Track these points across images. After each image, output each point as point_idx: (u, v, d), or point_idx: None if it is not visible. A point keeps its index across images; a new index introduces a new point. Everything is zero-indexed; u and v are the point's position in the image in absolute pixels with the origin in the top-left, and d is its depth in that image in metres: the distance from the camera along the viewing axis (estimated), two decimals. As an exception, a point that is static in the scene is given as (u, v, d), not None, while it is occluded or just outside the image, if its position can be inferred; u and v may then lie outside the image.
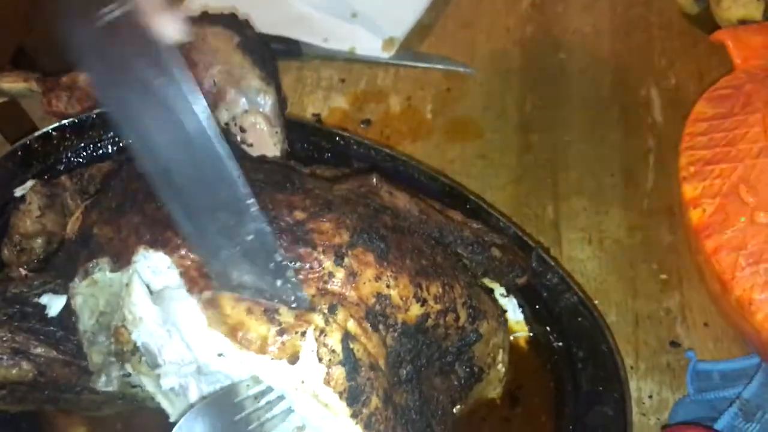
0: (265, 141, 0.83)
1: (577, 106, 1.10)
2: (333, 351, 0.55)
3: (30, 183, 0.87)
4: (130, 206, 0.62)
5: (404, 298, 0.60)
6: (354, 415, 0.55)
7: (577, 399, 0.75)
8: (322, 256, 0.58)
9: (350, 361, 0.55)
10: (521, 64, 1.16)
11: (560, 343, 0.79)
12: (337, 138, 0.92)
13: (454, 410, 0.70)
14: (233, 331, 0.54)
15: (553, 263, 0.81)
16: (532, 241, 0.84)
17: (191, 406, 0.59)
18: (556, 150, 1.05)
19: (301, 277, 0.57)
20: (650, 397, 0.84)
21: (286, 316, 0.55)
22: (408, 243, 0.63)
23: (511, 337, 0.79)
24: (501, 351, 0.72)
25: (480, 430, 0.75)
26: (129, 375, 0.64)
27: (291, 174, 0.66)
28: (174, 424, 0.57)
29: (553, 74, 1.14)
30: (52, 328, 0.64)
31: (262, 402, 0.54)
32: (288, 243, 0.57)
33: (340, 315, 0.56)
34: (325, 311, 0.56)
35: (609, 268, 0.94)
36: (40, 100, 1.00)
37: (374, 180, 0.69)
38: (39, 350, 0.63)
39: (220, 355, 0.55)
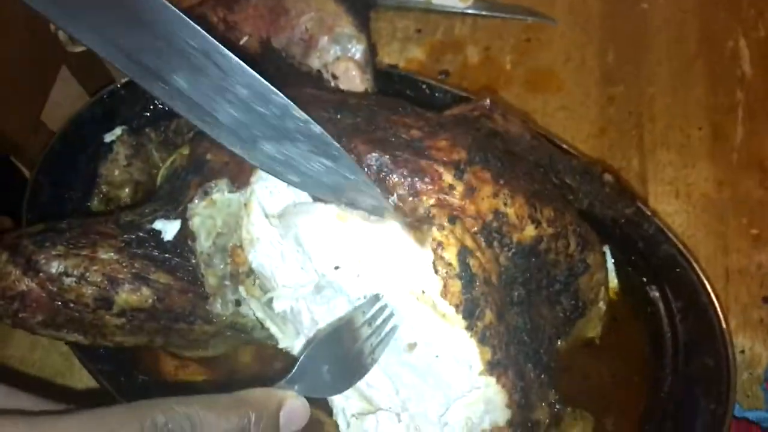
0: (357, 87, 0.82)
1: (660, 58, 1.07)
2: (449, 264, 0.55)
3: (118, 130, 0.88)
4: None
5: (520, 218, 0.59)
6: (469, 328, 0.55)
7: (676, 349, 0.74)
8: (442, 169, 0.57)
9: (467, 275, 0.55)
10: (602, 14, 1.13)
11: (657, 294, 0.77)
12: (423, 86, 0.91)
13: (557, 344, 0.70)
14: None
15: (650, 213, 0.79)
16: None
17: (302, 330, 0.60)
18: (640, 102, 1.03)
19: (421, 187, 0.57)
20: (742, 352, 0.83)
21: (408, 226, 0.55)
22: (521, 166, 0.63)
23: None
24: (602, 288, 0.71)
25: (578, 372, 0.74)
26: (240, 303, 0.64)
27: (399, 101, 0.66)
28: (284, 350, 0.58)
29: (636, 25, 1.11)
30: (167, 255, 0.64)
31: (374, 325, 0.54)
32: (409, 155, 0.57)
33: (458, 228, 0.56)
34: (445, 223, 0.56)
35: (697, 222, 0.92)
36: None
37: (487, 102, 0.68)
38: (157, 276, 0.63)
39: (336, 267, 0.55)
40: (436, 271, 0.55)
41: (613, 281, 0.80)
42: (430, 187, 0.57)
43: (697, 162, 0.97)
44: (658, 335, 0.75)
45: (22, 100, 0.97)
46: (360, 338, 0.54)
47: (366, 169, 0.56)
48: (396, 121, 0.58)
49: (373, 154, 0.56)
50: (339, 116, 0.59)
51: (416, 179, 0.57)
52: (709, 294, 0.74)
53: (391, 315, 0.55)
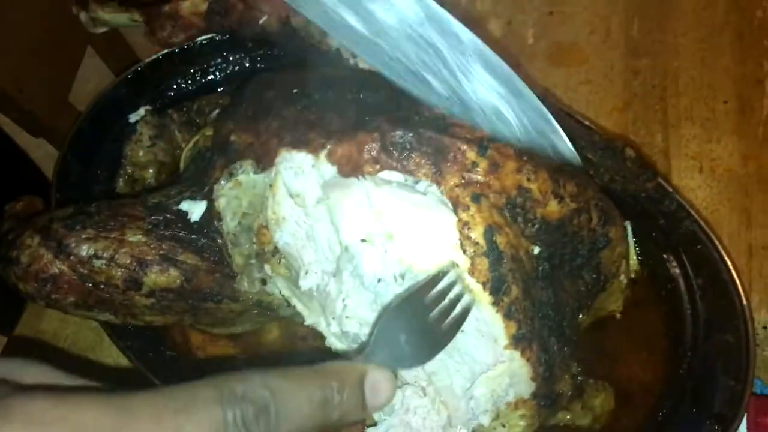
0: (377, 65, 0.82)
1: (686, 30, 1.05)
2: (477, 243, 0.55)
3: (143, 110, 0.89)
4: (267, 112, 0.62)
5: (544, 193, 0.59)
6: (495, 303, 0.55)
7: (696, 326, 0.74)
8: (465, 146, 0.58)
9: (494, 253, 0.56)
10: (626, -15, 1.11)
11: (677, 270, 0.77)
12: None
13: (579, 318, 0.70)
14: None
15: (671, 189, 0.78)
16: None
17: (328, 307, 0.60)
18: (665, 76, 1.01)
19: (444, 166, 0.57)
20: (765, 327, 0.82)
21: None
22: None
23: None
24: (624, 262, 0.71)
25: (598, 347, 0.75)
26: (266, 281, 0.66)
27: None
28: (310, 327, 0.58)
29: (661, -4, 1.09)
30: (194, 236, 0.65)
31: (451, 296, 0.54)
32: (432, 133, 0.58)
33: (484, 205, 0.57)
34: (470, 202, 0.56)
35: (721, 197, 0.91)
36: (143, 29, 1.01)
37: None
38: (185, 257, 0.65)
39: (363, 240, 0.56)
40: (464, 251, 0.55)
41: (633, 257, 0.80)
42: (454, 165, 0.57)
43: (722, 136, 0.96)
44: (679, 312, 0.75)
45: (50, 82, 0.99)
46: (432, 310, 0.53)
47: (391, 147, 0.57)
48: (417, 100, 0.58)
49: (398, 132, 0.56)
50: (361, 95, 0.60)
51: (440, 157, 0.57)
52: (729, 271, 0.74)
53: (462, 293, 0.55)
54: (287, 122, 0.60)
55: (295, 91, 0.62)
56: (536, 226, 0.59)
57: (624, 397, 0.71)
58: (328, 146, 0.57)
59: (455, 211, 0.56)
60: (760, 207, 0.90)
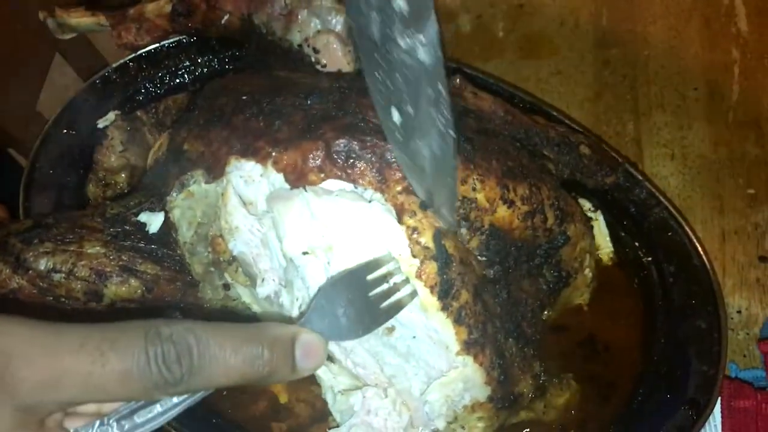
0: (339, 60, 0.81)
1: (655, 19, 1.06)
2: (426, 247, 0.55)
3: (112, 115, 0.88)
4: (218, 120, 0.62)
5: (491, 200, 0.59)
6: (444, 308, 0.55)
7: (669, 313, 0.74)
8: None
9: (443, 256, 0.55)
10: (596, -25, 1.11)
11: (649, 258, 0.77)
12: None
13: (543, 315, 0.70)
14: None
15: (641, 177, 0.79)
16: (619, 156, 0.82)
17: (285, 313, 0.60)
18: (636, 65, 1.02)
19: (388, 173, 0.56)
20: (738, 312, 0.83)
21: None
22: (494, 145, 0.62)
23: (597, 253, 0.78)
24: (588, 256, 0.71)
25: (567, 341, 0.74)
26: (229, 286, 0.65)
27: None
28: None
29: (631, -18, 1.09)
30: (153, 246, 0.65)
31: (392, 282, 0.54)
32: (378, 140, 0.57)
33: (430, 212, 0.56)
34: (416, 208, 0.56)
35: (693, 183, 0.92)
36: (110, 33, 1.00)
37: (457, 81, 0.67)
38: (145, 267, 0.64)
39: (305, 253, 0.56)
40: (414, 255, 0.55)
41: (609, 246, 0.80)
42: (398, 173, 0.56)
43: (693, 123, 0.96)
44: (652, 299, 0.76)
45: (18, 91, 0.98)
46: (373, 288, 0.53)
47: (335, 156, 0.56)
48: (366, 105, 0.58)
49: (341, 141, 0.56)
50: (309, 102, 0.59)
51: (384, 165, 0.56)
52: (701, 256, 0.74)
53: (406, 280, 0.55)
54: (237, 130, 0.59)
55: (244, 98, 0.61)
56: (485, 233, 0.59)
57: (598, 385, 0.72)
58: (274, 154, 0.57)
59: (401, 218, 0.55)
60: (732, 192, 0.90)
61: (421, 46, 0.48)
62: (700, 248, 0.75)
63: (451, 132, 0.51)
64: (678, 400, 0.68)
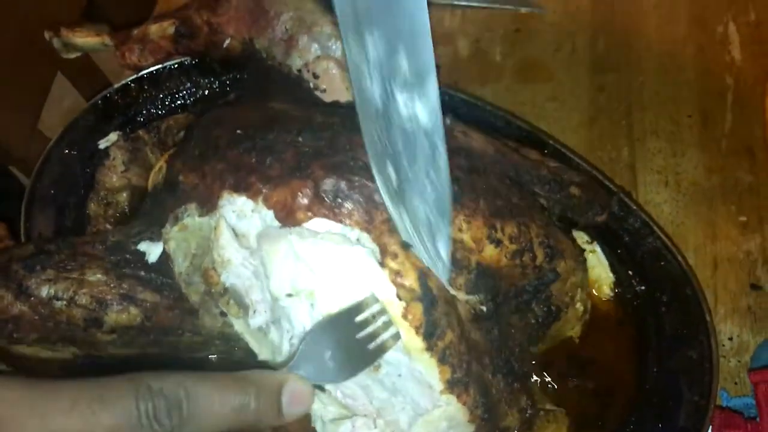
0: (338, 86, 0.83)
1: (650, 45, 1.07)
2: (412, 289, 0.56)
3: (113, 135, 0.90)
4: (212, 153, 0.63)
5: (477, 241, 0.60)
6: (428, 348, 0.55)
7: (660, 343, 0.75)
8: None
9: (428, 297, 0.56)
10: (592, 1, 1.12)
11: (642, 287, 0.78)
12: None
13: (533, 349, 0.71)
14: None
15: (635, 207, 0.80)
16: (613, 185, 0.83)
17: (277, 345, 0.61)
18: (630, 91, 1.03)
19: (375, 215, 0.57)
20: (730, 339, 0.84)
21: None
22: (482, 183, 0.63)
23: (599, 284, 0.79)
24: (579, 290, 0.72)
25: (560, 371, 0.75)
26: (226, 314, 0.66)
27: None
28: (263, 362, 0.60)
29: (626, 12, 1.11)
30: (153, 274, 0.66)
31: (379, 322, 0.55)
32: (366, 180, 0.57)
33: (413, 253, 0.57)
34: (398, 249, 0.56)
35: (687, 210, 0.93)
36: (114, 53, 1.01)
37: (447, 121, 0.68)
38: (144, 295, 0.65)
39: (289, 295, 0.56)
40: (399, 297, 0.55)
41: (610, 277, 0.81)
42: (384, 213, 0.57)
43: (686, 149, 0.97)
44: (644, 328, 0.77)
45: (19, 109, 0.99)
46: (361, 329, 0.54)
47: (323, 195, 0.56)
48: (358, 143, 0.58)
49: (329, 180, 0.56)
50: (301, 139, 0.60)
51: (371, 205, 0.57)
52: (692, 286, 0.75)
53: (390, 322, 0.56)
54: (230, 164, 0.60)
55: (239, 132, 0.62)
56: (472, 273, 0.59)
57: (589, 415, 0.72)
58: (264, 191, 0.57)
59: (384, 260, 0.56)
60: (724, 219, 0.91)
61: (421, 107, 0.50)
62: (692, 278, 0.76)
63: (447, 186, 0.52)
64: (669, 430, 0.69)
